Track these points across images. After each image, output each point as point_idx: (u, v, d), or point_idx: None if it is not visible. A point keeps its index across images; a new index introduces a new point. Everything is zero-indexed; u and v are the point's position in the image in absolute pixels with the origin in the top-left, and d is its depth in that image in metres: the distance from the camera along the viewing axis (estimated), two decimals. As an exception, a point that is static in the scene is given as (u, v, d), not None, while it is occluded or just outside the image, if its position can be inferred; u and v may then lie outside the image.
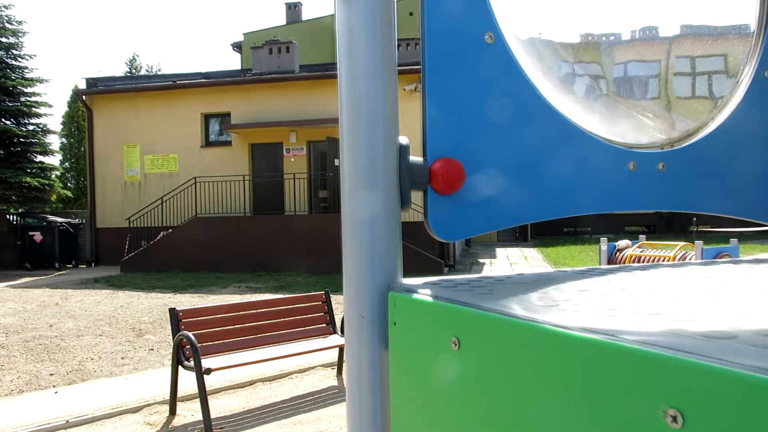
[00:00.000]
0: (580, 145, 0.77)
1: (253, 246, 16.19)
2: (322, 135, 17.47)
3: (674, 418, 0.36)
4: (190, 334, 5.01)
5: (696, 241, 6.97)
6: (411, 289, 0.66)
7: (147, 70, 51.80)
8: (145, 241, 17.71)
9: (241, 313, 5.84)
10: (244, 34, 29.90)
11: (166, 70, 56.38)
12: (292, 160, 18.11)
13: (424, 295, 0.62)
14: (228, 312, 5.82)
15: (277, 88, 18.18)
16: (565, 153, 0.76)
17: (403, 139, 0.70)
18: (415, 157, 0.71)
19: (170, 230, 17.41)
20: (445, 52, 0.71)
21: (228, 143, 18.98)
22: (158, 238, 17.25)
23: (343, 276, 0.70)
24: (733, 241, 7.38)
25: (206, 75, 21.70)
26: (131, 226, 18.10)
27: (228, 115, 18.77)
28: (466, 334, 0.54)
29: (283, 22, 30.18)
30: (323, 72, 18.23)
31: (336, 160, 16.99)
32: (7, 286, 15.50)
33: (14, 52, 22.29)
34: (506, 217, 0.72)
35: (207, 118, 19.22)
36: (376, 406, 0.66)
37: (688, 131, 0.89)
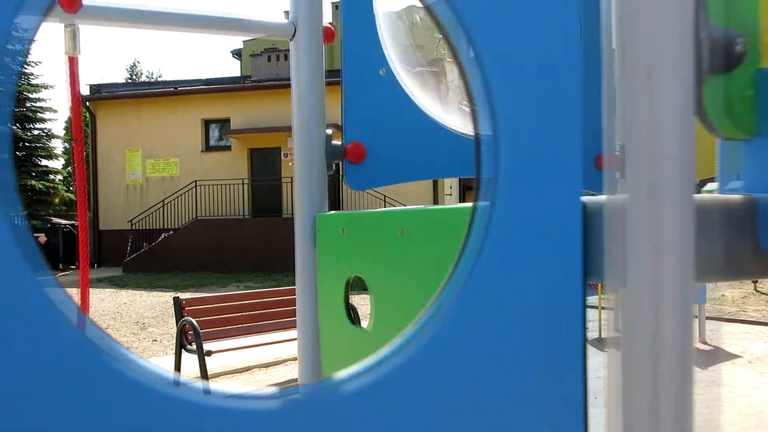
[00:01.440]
0: (441, 136, 1.27)
1: (252, 247, 16.68)
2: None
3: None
4: (192, 319, 5.49)
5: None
6: (336, 214, 1.15)
7: (147, 77, 52.26)
8: (146, 242, 18.20)
9: (240, 302, 6.33)
10: (243, 41, 30.47)
11: (166, 77, 56.86)
12: (290, 164, 18.58)
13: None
14: (228, 302, 6.31)
15: (275, 95, 18.70)
16: (430, 141, 1.25)
17: (329, 130, 1.20)
18: (336, 141, 1.21)
19: (171, 232, 17.91)
20: (355, 78, 1.20)
21: (228, 148, 19.51)
22: (159, 239, 17.74)
23: (295, 210, 1.19)
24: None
25: (206, 82, 22.23)
26: (133, 228, 18.59)
27: (228, 120, 19.30)
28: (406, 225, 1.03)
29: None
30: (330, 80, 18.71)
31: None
32: (13, 285, 15.96)
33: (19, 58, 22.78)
34: (391, 177, 1.22)
35: (207, 123, 19.75)
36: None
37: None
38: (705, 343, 7.63)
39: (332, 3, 26.74)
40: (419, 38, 1.31)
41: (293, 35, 1.17)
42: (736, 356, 6.97)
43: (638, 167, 0.43)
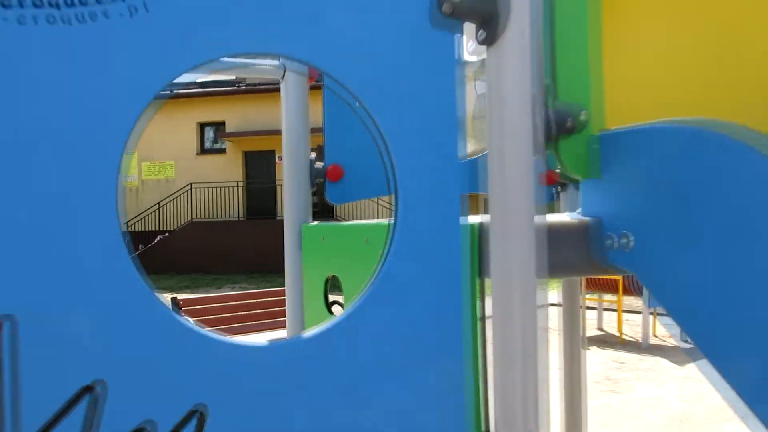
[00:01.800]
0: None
1: (247, 249, 16.89)
2: (313, 143, 18.18)
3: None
4: (190, 319, 5.72)
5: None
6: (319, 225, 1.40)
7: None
8: (142, 244, 18.39)
9: (236, 303, 6.56)
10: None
11: (162, 79, 56.59)
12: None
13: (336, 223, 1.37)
14: (224, 302, 6.54)
15: (269, 99, 18.93)
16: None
17: (312, 155, 1.45)
18: (319, 163, 1.46)
19: (167, 234, 18.11)
20: (334, 112, 1.45)
21: (223, 151, 19.73)
22: (155, 242, 17.94)
23: (285, 221, 1.44)
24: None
25: (202, 85, 22.42)
26: (129, 230, 18.78)
27: (222, 123, 19.52)
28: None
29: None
30: (314, 84, 18.96)
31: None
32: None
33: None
34: (363, 193, 1.47)
35: (202, 126, 19.97)
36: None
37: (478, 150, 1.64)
38: (686, 341, 7.91)
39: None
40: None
41: (283, 76, 1.42)
42: (713, 354, 7.23)
43: (497, 203, 0.68)
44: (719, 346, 0.67)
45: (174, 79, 0.63)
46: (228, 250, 16.95)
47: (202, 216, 18.51)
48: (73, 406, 0.59)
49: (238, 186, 18.72)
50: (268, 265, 16.42)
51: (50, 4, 0.57)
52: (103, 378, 0.60)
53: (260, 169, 19.39)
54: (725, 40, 1.34)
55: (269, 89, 19.19)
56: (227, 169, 19.24)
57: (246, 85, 20.64)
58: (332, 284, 1.28)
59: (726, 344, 0.66)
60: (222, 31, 0.64)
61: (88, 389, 0.59)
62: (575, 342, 1.79)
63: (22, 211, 0.59)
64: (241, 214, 18.91)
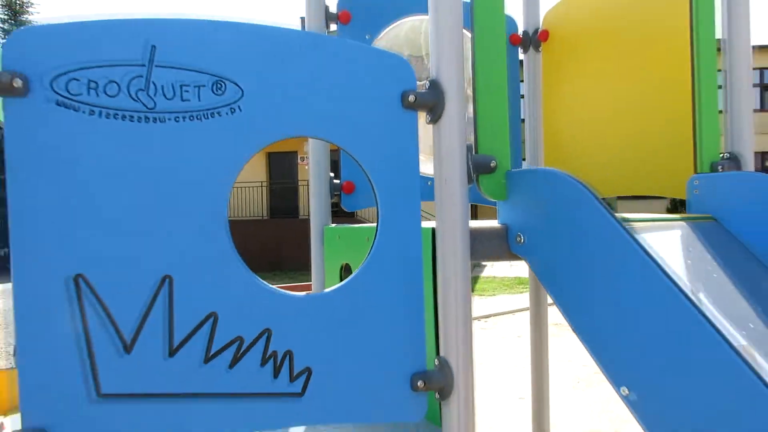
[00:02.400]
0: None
1: (271, 247, 17.49)
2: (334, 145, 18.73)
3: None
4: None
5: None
6: (336, 227, 1.89)
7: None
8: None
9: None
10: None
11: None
12: (306, 168, 19.38)
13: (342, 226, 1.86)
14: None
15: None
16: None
17: (330, 174, 1.93)
18: (336, 180, 1.94)
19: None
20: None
21: (247, 152, 20.36)
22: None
23: (311, 224, 1.93)
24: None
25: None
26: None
27: (247, 125, 20.14)
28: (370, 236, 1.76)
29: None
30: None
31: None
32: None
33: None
34: (371, 202, 1.95)
35: (228, 128, 20.61)
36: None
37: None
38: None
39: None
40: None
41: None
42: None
43: (443, 213, 1.16)
44: (581, 319, 1.12)
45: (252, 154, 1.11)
46: (252, 247, 17.55)
47: (228, 215, 19.09)
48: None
49: (261, 186, 19.34)
50: (290, 262, 17.00)
51: (185, 113, 1.05)
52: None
53: (283, 169, 19.99)
54: (626, 108, 1.81)
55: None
56: (251, 170, 19.86)
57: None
58: (346, 269, 1.76)
59: (585, 318, 1.11)
60: (278, 124, 1.12)
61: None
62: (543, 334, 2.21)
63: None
64: (264, 214, 19.53)
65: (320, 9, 1.90)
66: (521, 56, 2.21)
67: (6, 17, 23.57)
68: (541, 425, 2.26)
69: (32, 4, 24.28)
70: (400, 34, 2.02)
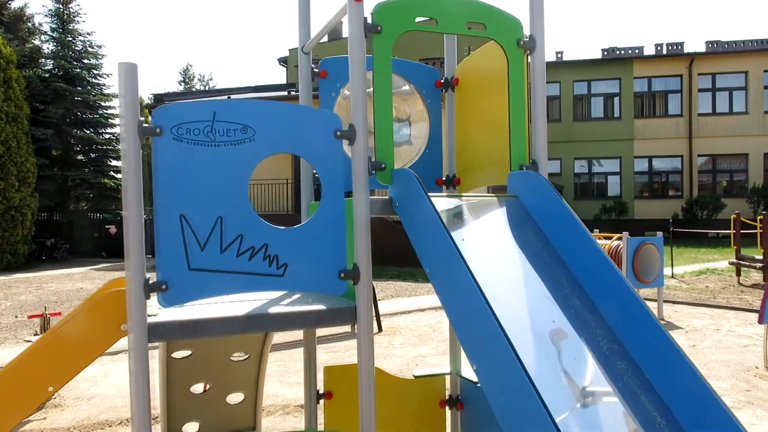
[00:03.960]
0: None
1: (295, 240, 18.80)
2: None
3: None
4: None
5: (624, 233, 9.18)
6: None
7: (199, 79, 55.26)
8: (203, 235, 20.55)
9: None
10: (289, 49, 32.83)
11: (217, 79, 59.84)
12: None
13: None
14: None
15: (315, 103, 20.79)
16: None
17: (314, 171, 3.12)
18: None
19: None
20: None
21: (274, 151, 21.77)
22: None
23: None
24: (659, 233, 9.55)
25: (255, 89, 24.53)
26: (191, 222, 21.00)
27: (275, 126, 21.54)
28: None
29: (325, 39, 32.95)
30: (358, 89, 20.77)
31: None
32: (91, 269, 18.57)
33: (95, 71, 25.66)
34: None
35: (257, 128, 22.04)
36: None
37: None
38: (661, 319, 9.28)
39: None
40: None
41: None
42: (678, 328, 8.63)
43: (357, 191, 2.33)
44: (439, 288, 2.29)
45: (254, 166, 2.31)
46: (278, 240, 18.88)
47: (257, 210, 20.53)
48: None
49: (287, 183, 20.69)
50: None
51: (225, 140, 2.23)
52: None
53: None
54: (491, 128, 2.96)
55: (315, 95, 21.06)
56: (278, 167, 21.23)
57: (297, 89, 22.59)
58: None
59: (436, 278, 2.28)
60: (272, 147, 2.31)
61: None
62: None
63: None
64: (290, 209, 20.88)
65: (308, 69, 3.10)
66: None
67: (56, 26, 25.32)
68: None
69: (79, 14, 26.04)
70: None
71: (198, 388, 3.89)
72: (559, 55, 35.26)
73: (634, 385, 2.01)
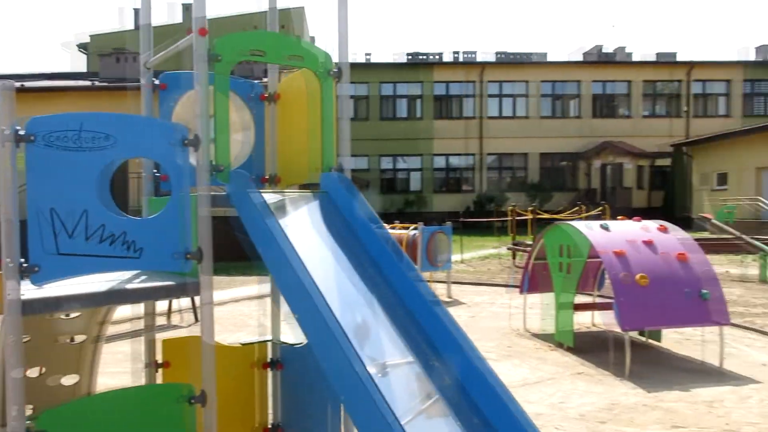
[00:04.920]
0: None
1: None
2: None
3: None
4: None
5: (420, 223, 10.48)
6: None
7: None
8: None
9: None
10: (90, 35, 30.73)
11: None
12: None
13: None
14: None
15: (120, 97, 19.99)
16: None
17: (155, 170, 3.60)
18: (158, 174, 3.62)
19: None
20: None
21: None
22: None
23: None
24: (449, 223, 11.02)
25: (51, 76, 22.80)
26: None
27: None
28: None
29: (131, 26, 31.34)
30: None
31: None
32: None
33: None
34: (169, 186, 3.66)
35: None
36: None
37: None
38: (449, 297, 10.77)
39: (183, 4, 27.80)
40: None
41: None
42: (463, 304, 10.14)
43: (200, 188, 2.92)
44: (270, 264, 2.93)
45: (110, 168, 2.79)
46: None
47: (132, 201, 19.21)
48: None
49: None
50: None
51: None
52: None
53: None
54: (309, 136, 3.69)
55: (120, 87, 20.23)
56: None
57: (100, 80, 21.33)
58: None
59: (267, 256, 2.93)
60: (130, 152, 2.80)
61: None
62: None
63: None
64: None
65: (150, 82, 3.58)
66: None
67: None
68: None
69: None
70: (190, 98, 3.74)
71: (34, 372, 4.12)
72: (368, 57, 37.21)
73: (422, 343, 2.82)
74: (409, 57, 37.76)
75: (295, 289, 2.63)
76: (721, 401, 5.06)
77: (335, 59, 3.49)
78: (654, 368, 6.10)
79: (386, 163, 36.39)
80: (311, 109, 3.55)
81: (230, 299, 10.95)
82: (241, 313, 9.66)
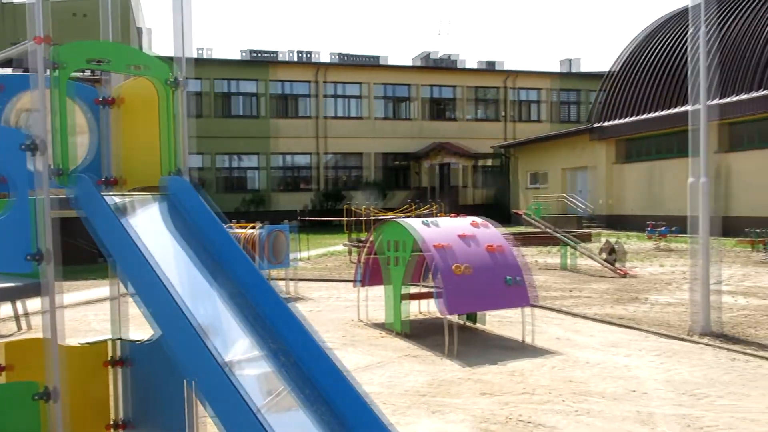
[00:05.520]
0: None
1: None
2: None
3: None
4: None
5: (259, 221, 10.68)
6: None
7: None
8: None
9: None
10: None
11: None
12: None
13: None
14: None
15: None
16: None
17: None
18: (-12, 175, 3.58)
19: None
20: None
21: None
22: None
23: None
24: (287, 221, 11.34)
25: None
26: None
27: None
28: None
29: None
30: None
31: None
32: None
33: None
34: (7, 188, 3.63)
35: None
36: None
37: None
38: (290, 293, 11.10)
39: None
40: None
41: None
42: (304, 299, 10.52)
43: (42, 191, 2.99)
44: (119, 260, 3.06)
45: None
46: None
47: None
48: None
49: None
50: None
51: None
52: None
53: None
54: (149, 139, 3.86)
55: None
56: None
57: None
58: None
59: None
60: None
61: None
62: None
63: None
64: None
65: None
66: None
67: None
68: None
69: None
70: (28, 101, 3.74)
71: None
72: (208, 53, 36.20)
73: (267, 334, 3.15)
74: (248, 54, 37.34)
75: (150, 286, 2.84)
76: (522, 370, 5.93)
77: (173, 53, 3.67)
78: (473, 347, 6.92)
79: (224, 162, 35.71)
80: (153, 115, 3.73)
81: (67, 304, 10.37)
82: (84, 315, 9.26)
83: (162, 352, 3.05)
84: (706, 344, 6.82)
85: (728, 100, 22.20)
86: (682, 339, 7.12)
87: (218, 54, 37.83)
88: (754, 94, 21.76)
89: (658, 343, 6.98)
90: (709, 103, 7.59)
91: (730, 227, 21.57)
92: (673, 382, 5.49)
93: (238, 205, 33.30)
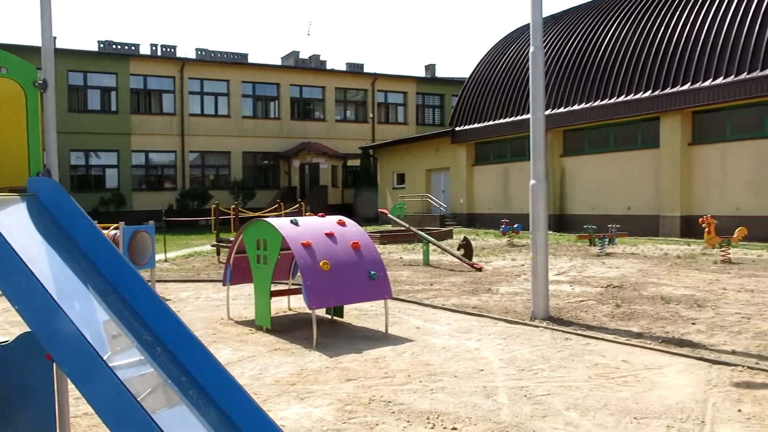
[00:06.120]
0: None
1: None
2: None
3: None
4: None
5: (121, 222, 10.37)
6: None
7: None
8: None
9: None
10: None
11: None
12: None
13: None
14: None
15: None
16: None
17: None
18: None
19: None
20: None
21: None
22: None
23: None
24: (151, 222, 11.09)
25: None
26: None
27: None
28: None
29: None
30: None
31: None
32: None
33: None
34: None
35: None
36: None
37: None
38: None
39: None
40: None
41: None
42: (169, 300, 10.37)
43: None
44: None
45: None
46: None
47: None
48: None
49: None
50: None
51: None
52: None
53: None
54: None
55: None
56: None
57: None
58: None
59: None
60: None
61: None
62: None
63: None
64: None
65: None
66: None
67: None
68: None
69: None
70: None
71: None
72: (57, 42, 33.80)
73: (141, 329, 3.28)
74: (102, 45, 35.29)
75: (24, 286, 2.88)
76: (384, 357, 6.40)
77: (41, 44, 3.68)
78: (337, 339, 7.30)
79: (77, 159, 33.51)
80: (16, 117, 3.72)
81: None
82: None
83: (24, 355, 3.10)
84: (545, 327, 7.69)
85: (567, 109, 24.48)
86: (524, 323, 7.97)
87: (70, 44, 35.37)
88: (592, 104, 24.17)
89: (504, 328, 7.77)
90: (548, 112, 8.54)
91: (571, 224, 23.85)
92: (515, 360, 6.21)
93: (96, 205, 31.45)
